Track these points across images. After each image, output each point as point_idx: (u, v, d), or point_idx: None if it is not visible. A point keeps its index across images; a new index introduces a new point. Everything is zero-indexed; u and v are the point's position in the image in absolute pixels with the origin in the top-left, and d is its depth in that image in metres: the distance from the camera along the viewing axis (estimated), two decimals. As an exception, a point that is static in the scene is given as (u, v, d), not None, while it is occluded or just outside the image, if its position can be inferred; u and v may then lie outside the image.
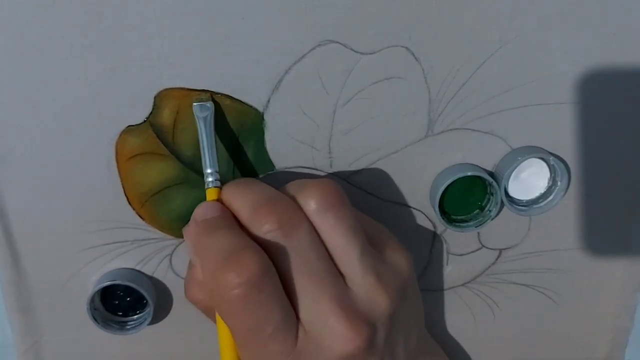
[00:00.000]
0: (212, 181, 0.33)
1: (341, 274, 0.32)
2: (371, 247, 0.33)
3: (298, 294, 0.31)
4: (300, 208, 0.32)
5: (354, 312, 0.31)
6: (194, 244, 0.32)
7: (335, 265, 0.32)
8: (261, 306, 0.30)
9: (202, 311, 0.34)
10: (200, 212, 0.33)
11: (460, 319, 0.43)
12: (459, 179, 0.36)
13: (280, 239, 0.31)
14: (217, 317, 0.32)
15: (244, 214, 0.32)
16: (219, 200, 0.33)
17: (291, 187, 0.33)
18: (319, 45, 0.34)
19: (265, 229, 0.31)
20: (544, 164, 0.38)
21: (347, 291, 0.32)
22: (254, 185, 0.33)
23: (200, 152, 0.34)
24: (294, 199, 0.32)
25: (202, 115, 0.34)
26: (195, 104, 0.34)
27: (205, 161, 0.34)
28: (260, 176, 0.37)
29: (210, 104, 0.34)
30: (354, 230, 0.32)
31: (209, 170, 0.33)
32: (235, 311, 0.30)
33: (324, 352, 0.31)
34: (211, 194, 0.33)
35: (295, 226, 0.31)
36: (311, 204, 0.32)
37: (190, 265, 0.34)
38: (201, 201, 0.37)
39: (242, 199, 0.32)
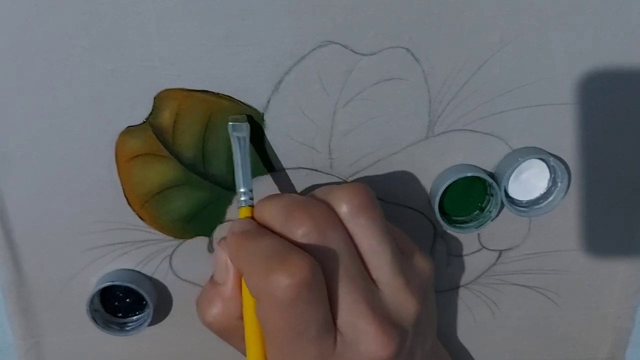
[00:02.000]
0: (245, 200, 0.33)
1: (371, 278, 0.32)
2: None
3: (334, 297, 0.31)
4: (333, 210, 0.32)
5: (387, 317, 0.31)
6: (235, 253, 0.32)
7: (366, 268, 0.32)
8: (309, 307, 0.29)
9: (217, 332, 0.34)
10: (237, 226, 0.32)
11: (460, 319, 0.43)
12: (459, 179, 0.36)
13: (317, 241, 0.31)
14: (249, 328, 0.32)
15: (278, 221, 0.32)
16: (252, 218, 0.33)
17: (320, 192, 0.33)
18: (319, 46, 0.34)
19: (301, 232, 0.31)
20: (544, 165, 0.38)
21: (379, 294, 0.32)
22: (284, 195, 0.33)
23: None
24: (325, 203, 0.32)
25: (238, 135, 0.34)
26: (230, 123, 0.34)
27: (239, 181, 0.34)
28: (259, 177, 0.37)
29: (246, 125, 0.34)
30: (385, 233, 0.32)
31: (242, 190, 0.33)
32: (282, 312, 0.29)
33: (359, 356, 0.30)
34: (244, 213, 0.33)
35: (330, 228, 0.31)
36: (343, 207, 0.32)
37: (213, 285, 0.33)
38: (201, 202, 0.37)
39: (274, 208, 0.32)
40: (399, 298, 0.32)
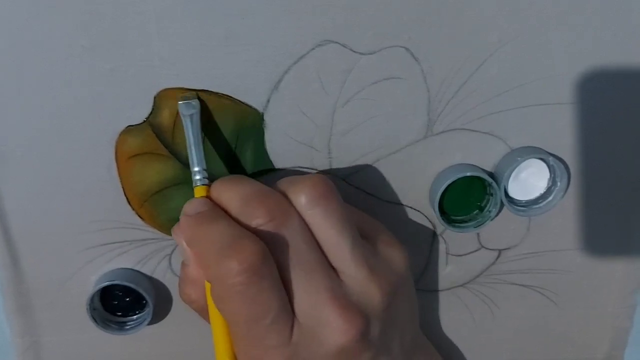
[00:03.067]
0: (199, 179, 0.33)
1: (333, 268, 0.32)
2: (364, 240, 0.33)
3: (291, 286, 0.31)
4: (290, 202, 0.32)
5: (347, 304, 0.31)
6: (189, 237, 0.32)
7: (327, 259, 0.32)
8: (261, 294, 0.30)
9: (197, 311, 0.34)
10: (191, 207, 0.33)
11: (459, 319, 0.43)
12: (459, 179, 0.36)
13: (272, 232, 0.31)
14: (212, 312, 0.32)
15: (233, 208, 0.32)
16: (208, 197, 0.33)
17: (281, 183, 0.33)
18: (319, 45, 0.34)
19: (256, 222, 0.31)
20: (544, 165, 0.38)
21: (340, 283, 0.32)
22: (243, 180, 0.33)
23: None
24: (284, 194, 0.32)
25: (187, 113, 0.33)
26: (180, 102, 0.34)
27: (192, 159, 0.33)
28: (259, 176, 0.37)
29: (195, 102, 0.34)
30: (344, 223, 0.32)
31: (196, 169, 0.33)
32: (235, 300, 0.30)
33: (319, 344, 0.31)
34: (199, 192, 0.33)
35: (286, 219, 0.31)
36: (301, 199, 0.32)
37: (183, 265, 0.34)
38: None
39: (231, 193, 0.32)
40: (363, 287, 0.32)
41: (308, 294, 0.31)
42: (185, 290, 0.34)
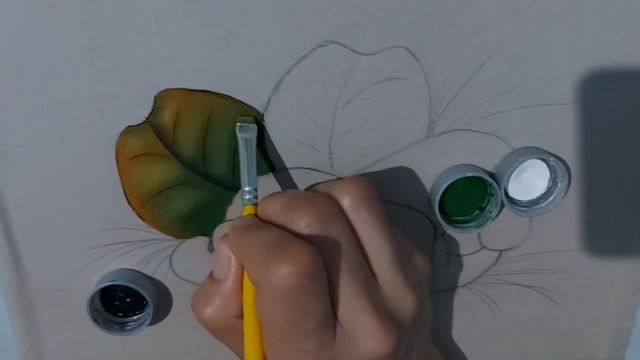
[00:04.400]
0: (249, 198, 0.33)
1: (371, 272, 0.32)
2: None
3: (336, 289, 0.30)
4: (336, 203, 0.32)
5: (387, 313, 0.31)
6: (236, 244, 0.32)
7: (367, 262, 0.32)
8: (309, 298, 0.29)
9: (213, 330, 0.33)
10: (240, 221, 0.32)
11: (460, 319, 0.43)
12: (460, 179, 0.36)
13: (319, 233, 0.30)
14: (247, 320, 0.31)
15: (279, 214, 0.31)
16: (256, 216, 0.33)
17: (322, 186, 0.33)
18: (320, 45, 0.34)
19: (304, 223, 0.30)
20: (545, 165, 0.38)
21: (379, 289, 0.31)
22: (286, 191, 0.33)
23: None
24: (327, 196, 0.32)
25: (244, 136, 0.34)
26: (238, 124, 0.34)
27: (244, 179, 0.34)
28: (259, 176, 0.37)
29: (253, 127, 0.34)
30: (387, 228, 0.32)
31: (247, 189, 0.33)
32: (282, 303, 0.29)
33: (357, 350, 0.30)
34: (248, 210, 0.33)
35: (332, 220, 0.31)
36: (345, 200, 0.32)
37: (212, 282, 0.33)
38: (202, 202, 0.37)
39: (274, 202, 0.32)
40: (399, 294, 0.32)
41: (350, 298, 0.30)
42: (206, 308, 0.33)
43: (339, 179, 0.37)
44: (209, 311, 0.33)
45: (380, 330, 0.30)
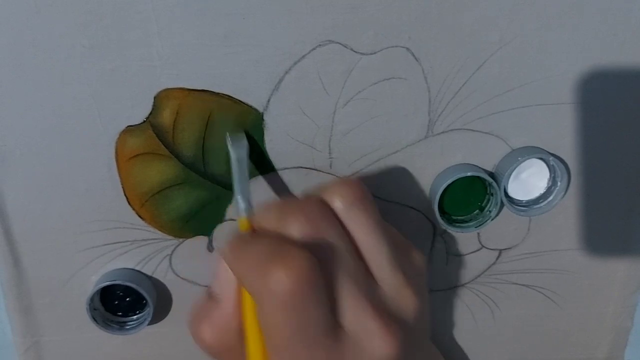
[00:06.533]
0: (243, 211, 0.32)
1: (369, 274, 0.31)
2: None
3: (336, 294, 0.30)
4: (327, 206, 0.31)
5: (388, 314, 0.30)
6: (233, 259, 0.31)
7: (364, 264, 0.31)
8: (311, 304, 0.28)
9: (213, 351, 0.32)
10: (234, 236, 0.31)
11: (460, 319, 0.43)
12: (459, 179, 0.36)
13: (313, 237, 0.30)
14: (250, 336, 0.31)
15: (272, 222, 0.31)
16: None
17: (314, 190, 0.32)
18: (319, 45, 0.34)
19: (296, 227, 0.30)
20: (544, 165, 0.38)
21: (379, 290, 0.31)
22: (279, 200, 0.33)
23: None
24: (318, 199, 0.31)
25: (235, 150, 0.33)
26: (228, 137, 0.34)
27: (237, 192, 0.33)
28: (259, 176, 0.37)
29: (244, 141, 0.34)
30: (382, 227, 0.31)
31: (240, 201, 0.32)
32: (282, 311, 0.28)
33: (362, 354, 0.30)
34: (243, 224, 0.32)
35: (326, 222, 0.30)
36: (337, 202, 0.31)
37: (204, 302, 0.32)
38: (201, 201, 0.37)
39: (266, 211, 0.31)
40: (399, 294, 0.31)
41: (352, 302, 0.30)
42: (206, 328, 0.32)
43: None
44: (208, 330, 0.32)
45: (384, 332, 0.30)
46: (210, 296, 0.33)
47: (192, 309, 0.33)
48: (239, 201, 0.32)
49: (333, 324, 0.29)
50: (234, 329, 0.31)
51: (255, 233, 0.31)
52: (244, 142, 0.34)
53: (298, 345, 0.29)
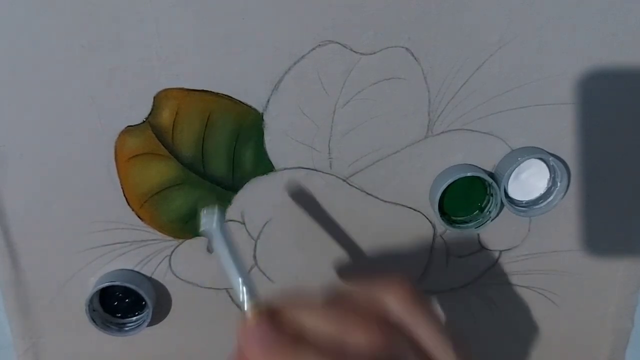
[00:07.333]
0: (249, 301, 0.27)
1: None
2: None
3: None
4: (382, 307, 0.28)
5: None
6: None
7: None
8: None
9: None
10: (260, 333, 0.27)
11: (460, 320, 0.43)
12: (459, 179, 0.36)
13: (383, 346, 0.27)
14: None
15: (328, 329, 0.27)
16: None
17: (357, 293, 0.29)
18: (319, 45, 0.34)
19: (364, 339, 0.27)
20: (544, 165, 0.38)
21: None
22: (323, 300, 0.28)
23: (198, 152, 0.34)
24: (370, 303, 0.29)
25: (210, 228, 0.29)
26: (202, 216, 0.29)
27: (235, 280, 0.28)
28: (259, 176, 0.37)
29: (217, 214, 0.29)
30: (442, 324, 0.29)
31: (243, 290, 0.28)
32: None
33: None
34: (255, 315, 0.27)
35: (393, 329, 0.28)
36: (394, 303, 0.28)
37: None
38: (201, 201, 0.37)
39: (319, 315, 0.28)
40: None
41: None
42: None
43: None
44: None
45: None
46: None
47: None
48: (244, 293, 0.28)
49: None
50: None
51: (286, 333, 0.27)
52: (217, 216, 0.29)
53: None
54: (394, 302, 0.29)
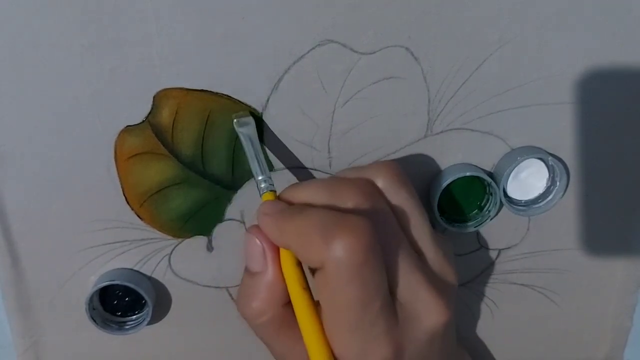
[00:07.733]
0: (266, 186, 0.32)
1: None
2: None
3: (391, 267, 0.30)
4: (374, 184, 0.32)
5: (437, 284, 0.31)
6: (281, 230, 0.30)
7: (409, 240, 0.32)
8: (375, 273, 0.28)
9: (262, 326, 0.32)
10: (270, 207, 0.31)
11: (459, 319, 0.43)
12: (458, 179, 0.36)
13: (369, 212, 0.30)
14: (299, 306, 0.30)
15: (322, 198, 0.30)
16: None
17: (350, 172, 0.33)
18: (319, 45, 0.34)
19: (352, 204, 0.30)
20: (543, 164, 0.38)
21: (426, 264, 0.32)
22: (317, 179, 0.33)
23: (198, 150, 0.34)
24: (364, 179, 0.32)
25: (244, 131, 0.34)
26: (234, 120, 0.34)
27: (256, 170, 0.33)
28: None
29: (250, 119, 0.34)
30: (422, 206, 0.32)
31: (260, 177, 0.32)
32: (349, 280, 0.28)
33: (419, 324, 0.30)
34: (268, 198, 0.32)
35: (379, 200, 0.31)
36: (380, 181, 0.32)
37: (247, 277, 0.32)
38: (200, 201, 0.37)
39: (314, 187, 0.31)
40: (443, 270, 0.32)
41: (407, 275, 0.30)
42: (253, 304, 0.31)
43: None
44: (256, 305, 0.31)
45: (438, 303, 0.30)
46: (249, 273, 0.32)
47: (237, 292, 0.33)
48: (259, 175, 0.33)
49: (390, 298, 0.30)
50: (281, 297, 0.31)
51: (296, 205, 0.31)
52: (250, 119, 0.34)
53: (363, 318, 0.29)
54: (381, 179, 0.32)
